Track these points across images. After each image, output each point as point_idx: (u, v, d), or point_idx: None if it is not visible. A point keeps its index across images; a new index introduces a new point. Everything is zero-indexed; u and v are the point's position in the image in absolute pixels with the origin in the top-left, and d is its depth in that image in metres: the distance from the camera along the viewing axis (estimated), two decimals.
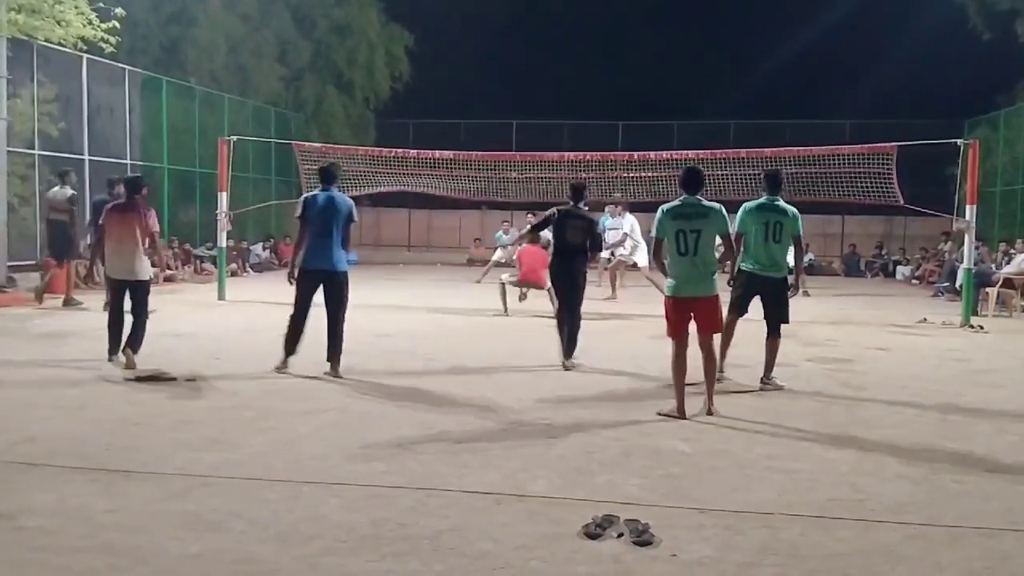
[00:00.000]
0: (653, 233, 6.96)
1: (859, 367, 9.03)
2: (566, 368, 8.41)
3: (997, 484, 5.15)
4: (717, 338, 7.12)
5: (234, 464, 5.22)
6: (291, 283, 8.15)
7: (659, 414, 6.63)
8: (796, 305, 14.69)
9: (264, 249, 21.82)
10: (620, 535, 4.15)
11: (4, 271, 14.77)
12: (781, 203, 7.85)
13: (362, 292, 16.05)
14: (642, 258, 15.43)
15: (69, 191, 13.29)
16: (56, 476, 4.98)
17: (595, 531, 4.18)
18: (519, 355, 9.36)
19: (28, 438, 5.73)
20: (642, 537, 4.11)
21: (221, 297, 14.28)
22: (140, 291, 8.37)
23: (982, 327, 12.23)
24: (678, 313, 6.69)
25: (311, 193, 8.31)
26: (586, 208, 8.82)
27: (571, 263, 8.60)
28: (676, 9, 29.96)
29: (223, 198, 14.78)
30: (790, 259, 8.12)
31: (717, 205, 6.79)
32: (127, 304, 8.33)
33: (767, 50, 28.87)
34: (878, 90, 27.86)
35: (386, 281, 18.35)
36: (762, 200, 7.88)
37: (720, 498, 4.76)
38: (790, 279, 8.05)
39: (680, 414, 6.58)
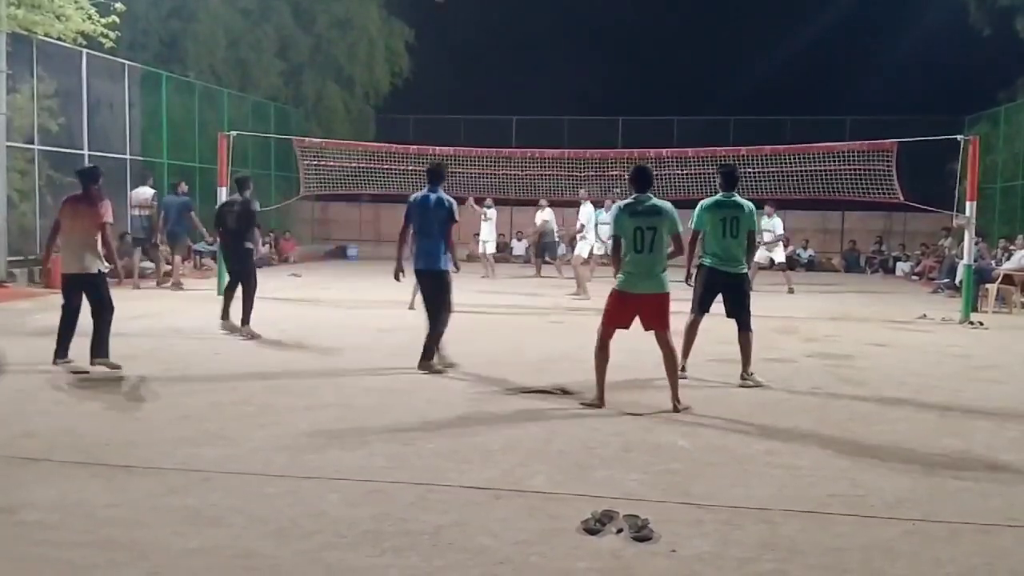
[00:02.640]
0: (611, 231, 6.97)
1: (859, 363, 9.03)
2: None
3: (996, 481, 5.15)
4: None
5: (234, 459, 5.22)
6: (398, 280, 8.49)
7: (581, 404, 6.72)
8: (795, 301, 14.78)
9: (264, 244, 21.83)
10: (619, 531, 4.16)
11: (4, 266, 14.78)
12: (737, 198, 7.87)
13: (363, 288, 16.12)
14: (581, 248, 15.58)
15: (151, 191, 15.49)
16: (56, 471, 4.98)
17: (594, 526, 4.18)
18: (519, 351, 9.37)
19: (28, 433, 5.73)
20: (641, 533, 4.11)
21: (220, 292, 14.27)
22: (94, 286, 7.88)
23: (982, 323, 12.24)
24: (623, 307, 6.74)
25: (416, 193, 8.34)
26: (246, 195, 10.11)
27: (232, 245, 10.02)
28: (677, 5, 29.93)
29: (223, 193, 14.76)
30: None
31: (668, 204, 6.86)
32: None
33: (767, 46, 28.84)
34: (878, 86, 27.85)
35: (387, 277, 18.34)
36: (718, 197, 7.89)
37: (719, 494, 4.77)
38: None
39: (599, 403, 6.65)
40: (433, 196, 8.06)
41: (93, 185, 8.09)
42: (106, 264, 7.93)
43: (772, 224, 16.68)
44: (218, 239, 10.81)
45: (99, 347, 7.78)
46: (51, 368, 7.86)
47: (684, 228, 6.93)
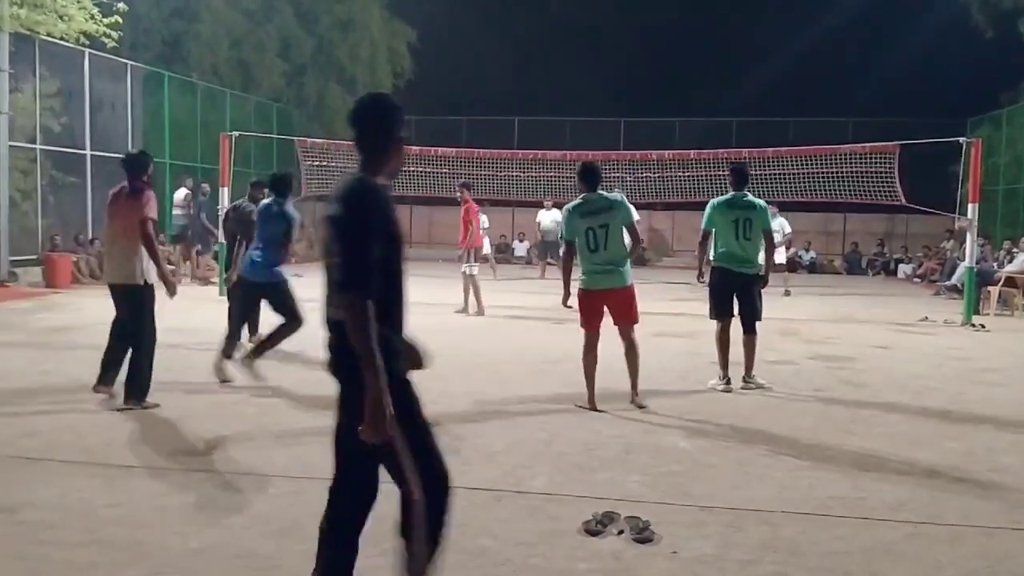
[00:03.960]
0: (563, 236, 6.94)
1: (860, 365, 9.02)
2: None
3: (997, 483, 5.15)
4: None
5: (235, 459, 5.22)
6: None
7: (576, 406, 6.71)
8: (797, 303, 14.76)
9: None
10: (620, 532, 4.16)
11: (6, 265, 14.80)
12: (749, 197, 7.69)
13: None
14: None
15: (185, 191, 16.72)
16: (58, 470, 4.98)
17: (595, 528, 4.18)
18: (521, 352, 9.36)
19: (29, 432, 5.74)
20: (642, 534, 4.11)
21: (222, 293, 14.27)
22: (135, 302, 6.40)
23: (983, 326, 12.23)
24: (591, 306, 6.75)
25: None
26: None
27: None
28: (678, 7, 29.92)
29: (225, 194, 14.78)
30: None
31: (620, 196, 6.87)
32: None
33: (770, 48, 28.81)
34: (881, 88, 27.83)
35: None
36: (730, 196, 7.70)
37: (720, 495, 4.76)
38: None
39: (591, 405, 6.64)
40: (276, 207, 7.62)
41: (139, 176, 6.52)
42: (154, 275, 6.43)
43: (779, 224, 16.66)
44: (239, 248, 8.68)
45: (131, 386, 6.38)
46: (50, 369, 7.86)
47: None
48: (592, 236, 6.63)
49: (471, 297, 12.46)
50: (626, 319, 6.80)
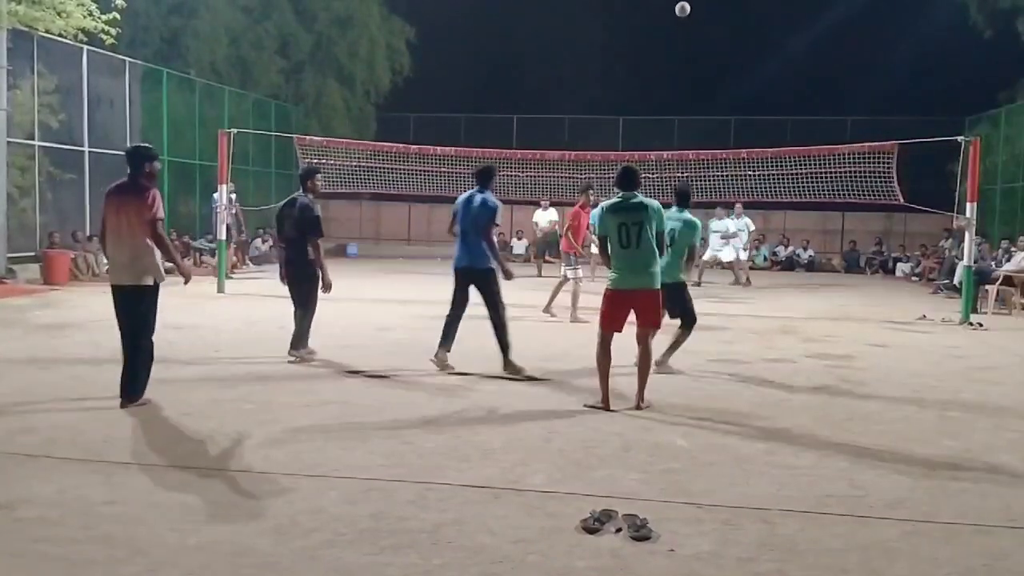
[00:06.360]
0: (596, 231, 6.94)
1: (858, 363, 9.03)
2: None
3: (995, 481, 5.15)
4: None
5: (233, 456, 5.22)
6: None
7: (586, 406, 6.67)
8: (795, 301, 14.72)
9: (264, 242, 21.76)
10: (618, 530, 4.16)
11: (4, 262, 14.79)
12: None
13: (363, 286, 16.10)
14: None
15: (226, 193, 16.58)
16: (55, 467, 4.98)
17: (593, 525, 4.18)
18: (519, 349, 9.35)
19: (27, 429, 5.73)
20: (640, 532, 4.11)
21: (221, 290, 14.28)
22: (141, 303, 6.36)
23: (981, 324, 12.24)
24: (616, 306, 6.67)
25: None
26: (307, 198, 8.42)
27: (291, 257, 8.50)
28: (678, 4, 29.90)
29: (223, 191, 14.78)
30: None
31: (655, 202, 6.82)
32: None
33: (769, 47, 28.84)
34: (879, 87, 27.86)
35: (387, 275, 18.35)
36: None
37: (718, 493, 4.77)
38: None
39: (605, 405, 6.61)
40: (478, 196, 8.06)
41: (142, 170, 6.37)
42: (163, 273, 6.49)
43: (744, 224, 17.93)
44: (280, 248, 8.91)
45: (132, 384, 6.34)
46: (47, 365, 7.86)
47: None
48: (625, 232, 6.57)
49: (565, 300, 11.80)
50: (649, 322, 6.68)
